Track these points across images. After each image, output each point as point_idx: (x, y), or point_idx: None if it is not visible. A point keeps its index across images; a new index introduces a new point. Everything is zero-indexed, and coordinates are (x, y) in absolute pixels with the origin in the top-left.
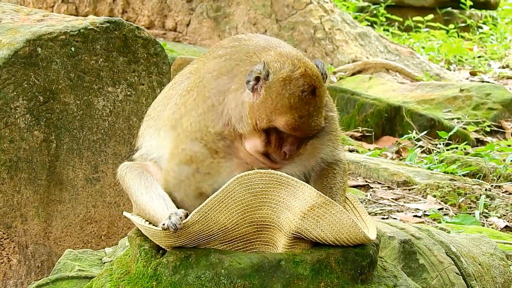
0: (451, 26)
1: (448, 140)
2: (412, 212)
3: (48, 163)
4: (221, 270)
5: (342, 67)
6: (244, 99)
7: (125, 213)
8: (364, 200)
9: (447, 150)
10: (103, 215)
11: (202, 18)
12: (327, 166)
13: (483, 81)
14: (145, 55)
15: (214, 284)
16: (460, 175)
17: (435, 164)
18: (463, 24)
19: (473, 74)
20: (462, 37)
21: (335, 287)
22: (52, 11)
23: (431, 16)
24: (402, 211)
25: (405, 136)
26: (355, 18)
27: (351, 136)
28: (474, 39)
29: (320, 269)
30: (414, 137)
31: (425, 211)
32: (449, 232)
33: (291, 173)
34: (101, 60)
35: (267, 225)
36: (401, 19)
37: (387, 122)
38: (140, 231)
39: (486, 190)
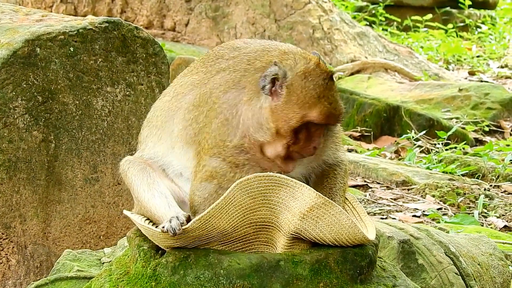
0: (450, 25)
1: (447, 139)
2: (411, 212)
3: (47, 163)
4: (220, 270)
5: (340, 66)
6: (262, 105)
7: (125, 212)
8: (363, 200)
9: (446, 150)
10: (102, 215)
11: (200, 18)
12: (328, 167)
13: (481, 81)
14: (144, 55)
15: (213, 284)
16: (459, 175)
17: (434, 164)
18: (462, 24)
19: (471, 73)
20: (460, 36)
21: (334, 287)
22: (51, 11)
23: (429, 15)
24: (401, 211)
25: (404, 136)
26: (354, 17)
27: (350, 136)
28: (473, 39)
29: (319, 269)
30: (413, 137)
31: (424, 211)
32: (448, 232)
33: (293, 175)
34: (100, 60)
35: (266, 225)
36: (399, 19)
37: (386, 122)
38: (139, 231)
39: (485, 190)
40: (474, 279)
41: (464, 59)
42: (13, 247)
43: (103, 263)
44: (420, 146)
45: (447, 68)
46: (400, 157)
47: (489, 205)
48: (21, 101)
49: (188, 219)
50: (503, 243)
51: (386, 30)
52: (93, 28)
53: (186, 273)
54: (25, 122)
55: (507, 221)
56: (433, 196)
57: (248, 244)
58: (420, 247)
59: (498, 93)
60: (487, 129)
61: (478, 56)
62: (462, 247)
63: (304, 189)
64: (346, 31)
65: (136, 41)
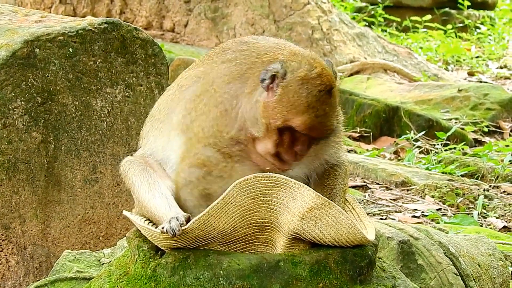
0: (449, 26)
1: (446, 140)
2: (411, 213)
3: (46, 164)
4: (220, 271)
5: (340, 67)
6: (257, 98)
7: (124, 212)
8: (362, 200)
9: (445, 150)
10: (101, 216)
11: (200, 19)
12: (330, 167)
13: (481, 82)
14: (143, 56)
15: (213, 285)
16: (458, 176)
17: (433, 165)
18: (461, 25)
19: (471, 74)
20: (460, 37)
21: (334, 287)
22: (50, 12)
23: (429, 16)
24: (400, 212)
25: (403, 136)
26: (353, 18)
27: (349, 137)
28: (472, 40)
29: (319, 269)
30: (412, 138)
31: (423, 212)
32: (447, 232)
33: (294, 175)
34: (99, 61)
35: (265, 226)
36: (399, 20)
37: (385, 123)
38: (139, 232)
39: (484, 190)
40: (474, 279)
41: (463, 60)
42: (12, 248)
43: (103, 264)
44: (419, 147)
45: (446, 69)
46: (399, 158)
47: (488, 205)
48: (20, 102)
49: (188, 220)
50: (503, 243)
51: (385, 30)
52: (92, 29)
53: (185, 274)
54: (24, 123)
55: (506, 221)
56: (433, 196)
57: (248, 245)
58: (419, 248)
59: (497, 94)
60: (486, 129)
61: (477, 57)
62: (462, 248)
63: (303, 190)
64: (345, 32)
65: (135, 42)
